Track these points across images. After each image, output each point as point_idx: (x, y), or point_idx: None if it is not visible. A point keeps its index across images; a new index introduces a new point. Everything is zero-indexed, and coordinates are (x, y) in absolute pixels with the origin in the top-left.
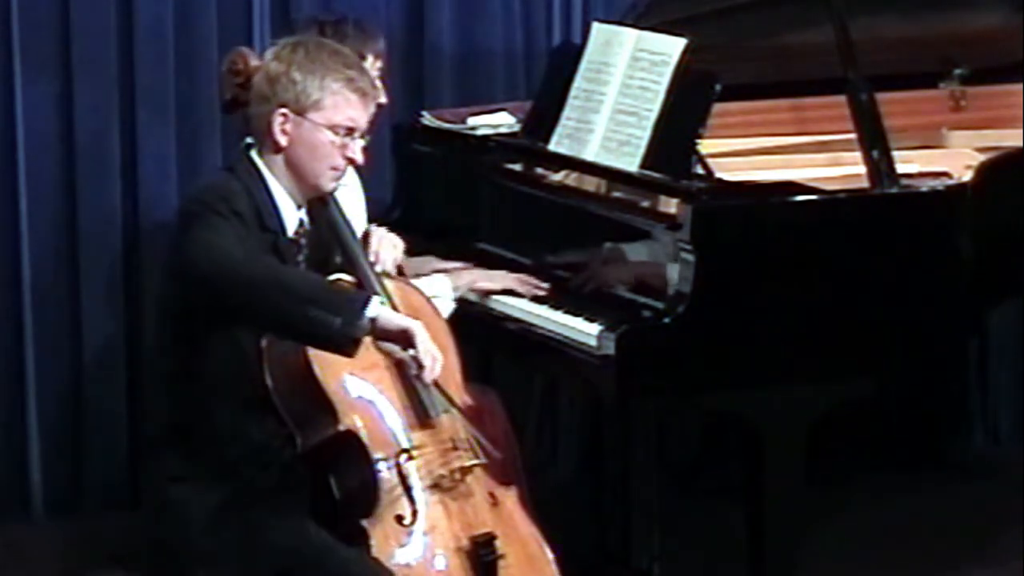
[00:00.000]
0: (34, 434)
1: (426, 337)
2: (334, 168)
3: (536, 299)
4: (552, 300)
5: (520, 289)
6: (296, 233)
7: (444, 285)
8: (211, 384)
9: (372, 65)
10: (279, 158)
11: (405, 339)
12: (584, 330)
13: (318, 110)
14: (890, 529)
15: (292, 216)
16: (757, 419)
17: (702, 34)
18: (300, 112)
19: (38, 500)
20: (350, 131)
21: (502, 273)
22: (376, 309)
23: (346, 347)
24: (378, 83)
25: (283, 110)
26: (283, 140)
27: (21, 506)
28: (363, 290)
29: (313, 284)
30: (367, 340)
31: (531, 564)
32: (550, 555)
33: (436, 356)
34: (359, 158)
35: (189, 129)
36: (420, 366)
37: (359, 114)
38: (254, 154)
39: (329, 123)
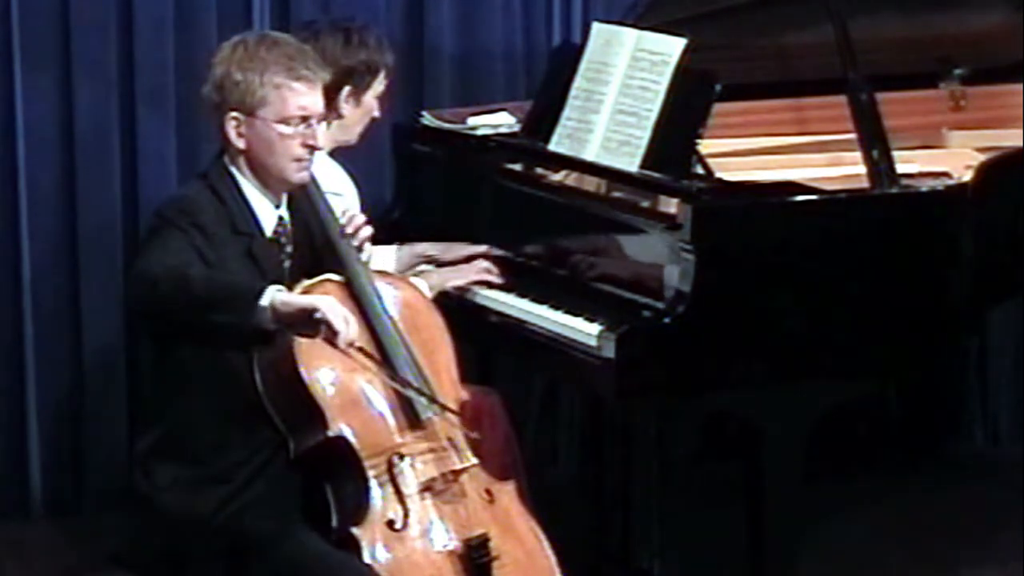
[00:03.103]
0: (34, 434)
1: (332, 304)
2: (297, 160)
3: (536, 299)
4: (552, 300)
5: (487, 278)
6: (275, 232)
7: (420, 287)
8: (199, 396)
9: (382, 80)
10: (243, 160)
11: (311, 316)
12: (584, 330)
13: (265, 106)
14: (890, 529)
15: (270, 216)
16: (757, 419)
17: (702, 34)
18: (249, 112)
19: (38, 500)
20: (304, 119)
21: (467, 266)
22: (270, 296)
23: (253, 342)
24: (375, 101)
25: (233, 114)
26: (240, 143)
27: (21, 506)
28: (257, 282)
29: (212, 287)
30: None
31: (529, 559)
32: (549, 549)
33: (348, 318)
34: (321, 144)
35: (189, 129)
36: (333, 332)
37: (309, 100)
38: (226, 158)
39: (279, 117)
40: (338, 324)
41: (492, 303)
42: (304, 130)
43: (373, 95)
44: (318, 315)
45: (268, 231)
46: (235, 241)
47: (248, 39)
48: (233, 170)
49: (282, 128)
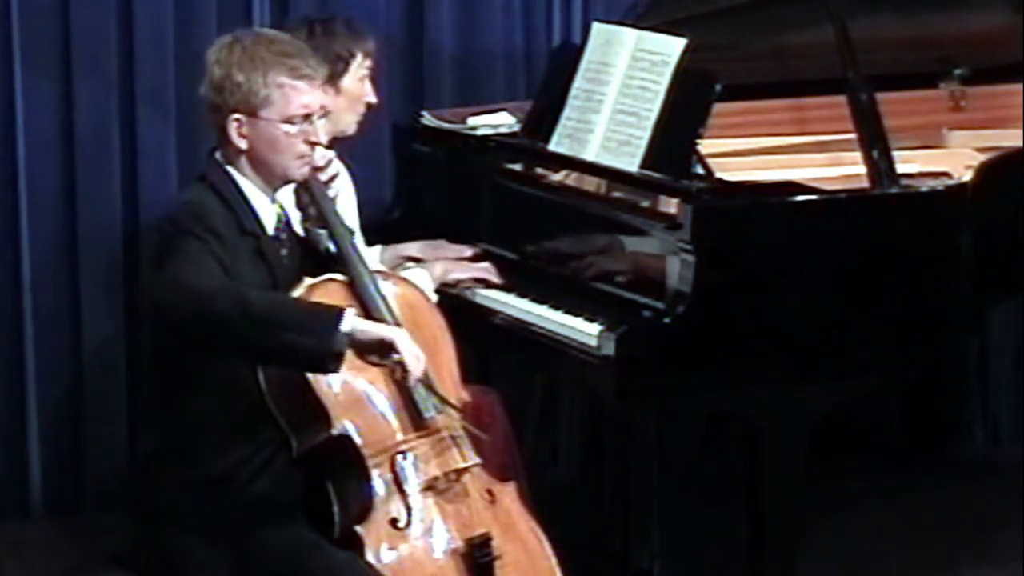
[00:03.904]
0: (34, 434)
1: (407, 340)
2: (300, 156)
3: (536, 299)
4: (552, 300)
5: (490, 277)
6: (276, 229)
7: (423, 277)
8: (200, 396)
9: (361, 64)
10: (244, 160)
11: (386, 348)
12: (584, 330)
13: (268, 106)
14: (890, 529)
15: (269, 213)
16: (757, 419)
17: (702, 34)
18: (252, 113)
19: (38, 500)
20: (306, 117)
21: (471, 262)
22: (351, 323)
23: (327, 366)
24: (367, 83)
25: (235, 115)
26: (243, 144)
27: (21, 506)
28: (335, 306)
29: (283, 308)
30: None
31: (529, 560)
32: (549, 550)
33: (419, 356)
34: (322, 139)
35: (189, 129)
36: (404, 370)
37: (310, 98)
38: (219, 156)
39: (283, 116)
40: (411, 363)
41: (492, 303)
42: (307, 127)
43: (354, 80)
44: (395, 356)
45: (270, 228)
46: (243, 242)
47: (243, 38)
48: (230, 170)
49: (286, 127)
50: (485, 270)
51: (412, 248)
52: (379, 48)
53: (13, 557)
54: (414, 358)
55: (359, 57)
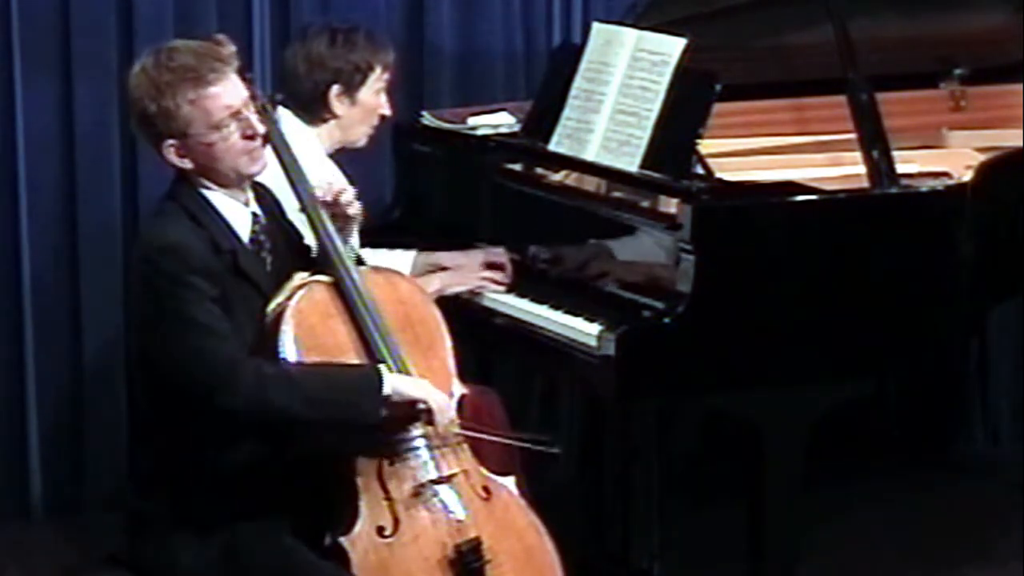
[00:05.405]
0: (34, 434)
1: (437, 397)
2: (246, 152)
3: (536, 299)
4: (552, 300)
5: (489, 287)
6: (253, 233)
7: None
8: (190, 407)
9: (379, 77)
10: (197, 176)
11: (416, 405)
12: (584, 330)
13: (191, 124)
14: (890, 529)
15: (244, 220)
16: (757, 419)
17: (702, 34)
18: (181, 135)
19: (38, 500)
20: (234, 115)
21: (469, 270)
22: (390, 385)
23: (365, 430)
24: (383, 96)
25: (169, 141)
26: (186, 163)
27: (21, 506)
28: (368, 366)
29: (329, 384)
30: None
31: (527, 555)
32: (550, 544)
33: (446, 410)
34: (259, 128)
35: None
36: (432, 424)
37: (229, 97)
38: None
39: (210, 126)
40: (440, 420)
41: (492, 303)
42: (238, 123)
43: (371, 93)
44: (424, 406)
45: (246, 237)
46: (221, 261)
47: (146, 63)
48: (196, 186)
49: (218, 135)
50: (486, 279)
51: (444, 257)
52: (396, 60)
53: (13, 557)
54: (443, 415)
55: (378, 70)
